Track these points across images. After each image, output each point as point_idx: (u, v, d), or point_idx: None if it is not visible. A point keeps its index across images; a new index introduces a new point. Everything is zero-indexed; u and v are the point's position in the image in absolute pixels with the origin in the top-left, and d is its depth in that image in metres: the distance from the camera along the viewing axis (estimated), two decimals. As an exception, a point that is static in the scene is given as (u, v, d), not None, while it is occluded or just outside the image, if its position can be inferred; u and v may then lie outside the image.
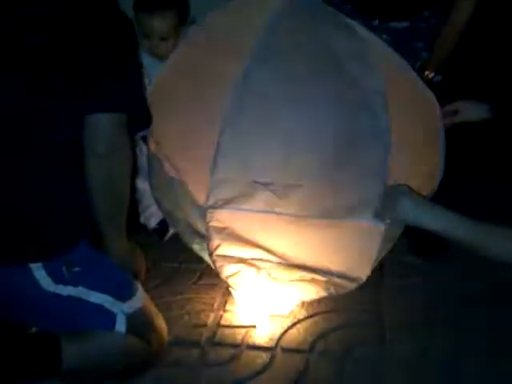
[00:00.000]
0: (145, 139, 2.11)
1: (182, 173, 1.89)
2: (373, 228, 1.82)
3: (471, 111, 2.03)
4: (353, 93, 1.82)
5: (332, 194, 1.78)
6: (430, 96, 2.04)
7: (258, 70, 1.81)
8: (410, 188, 1.75)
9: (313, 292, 1.96)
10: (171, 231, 2.52)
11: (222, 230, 1.82)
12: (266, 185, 1.76)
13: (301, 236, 1.83)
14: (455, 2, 2.29)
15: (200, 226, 1.87)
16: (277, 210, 1.77)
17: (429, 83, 2.34)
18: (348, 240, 1.85)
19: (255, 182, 1.76)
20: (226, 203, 1.78)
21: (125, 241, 1.79)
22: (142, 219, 2.60)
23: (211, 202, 1.78)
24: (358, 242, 1.86)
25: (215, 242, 1.83)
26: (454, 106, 2.04)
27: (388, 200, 1.75)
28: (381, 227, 1.81)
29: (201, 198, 1.81)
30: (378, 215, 1.78)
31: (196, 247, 2.02)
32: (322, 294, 1.95)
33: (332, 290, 1.95)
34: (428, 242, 2.39)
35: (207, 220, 1.80)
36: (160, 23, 2.31)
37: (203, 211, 1.80)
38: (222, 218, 1.80)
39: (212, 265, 2.02)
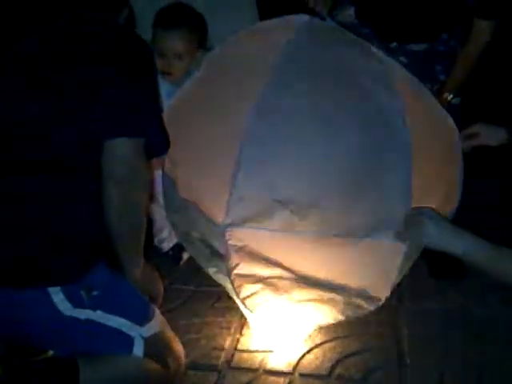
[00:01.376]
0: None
1: (199, 191, 1.88)
2: (394, 248, 1.80)
3: (490, 135, 2.02)
4: (377, 116, 1.83)
5: (354, 216, 1.77)
6: (449, 120, 2.03)
7: (279, 89, 1.81)
8: (434, 211, 1.75)
9: (330, 316, 1.94)
10: (185, 257, 2.52)
11: (240, 249, 1.80)
12: (285, 204, 1.75)
13: (321, 254, 1.81)
14: (474, 25, 2.28)
15: (218, 246, 1.86)
16: (296, 229, 1.76)
17: (448, 106, 2.34)
18: (369, 259, 1.83)
19: (275, 201, 1.75)
20: (244, 221, 1.77)
21: (142, 265, 1.79)
22: (155, 241, 2.60)
23: (230, 220, 1.77)
24: (379, 262, 1.84)
25: (234, 260, 1.82)
26: (472, 130, 2.04)
27: (412, 222, 1.74)
28: (402, 247, 1.80)
29: (218, 216, 1.80)
30: (401, 237, 1.77)
31: (211, 270, 2.01)
32: (340, 317, 1.93)
33: (350, 312, 1.92)
34: (446, 266, 2.38)
35: (226, 238, 1.78)
36: (176, 40, 2.32)
37: (222, 230, 1.78)
38: (240, 236, 1.79)
39: (227, 288, 2.01)
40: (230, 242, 1.79)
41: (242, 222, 1.77)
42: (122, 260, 1.73)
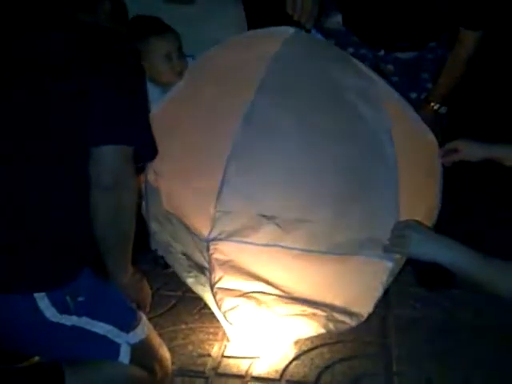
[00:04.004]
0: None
1: (183, 204, 1.87)
2: (380, 265, 1.81)
3: (470, 151, 2.02)
4: (362, 130, 1.84)
5: (340, 230, 1.77)
6: (429, 134, 2.04)
7: (266, 102, 1.81)
8: (419, 222, 1.75)
9: (311, 329, 1.93)
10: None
11: (225, 263, 1.80)
12: (271, 218, 1.75)
13: (305, 270, 1.81)
14: (459, 35, 2.27)
15: (200, 258, 1.85)
16: (282, 243, 1.76)
17: (434, 114, 2.34)
18: (353, 276, 1.83)
19: (260, 215, 1.75)
20: (229, 235, 1.76)
21: (130, 271, 1.78)
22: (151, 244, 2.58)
23: (215, 234, 1.76)
24: (364, 279, 1.84)
25: (217, 274, 1.81)
26: (453, 145, 2.04)
27: (397, 235, 1.74)
28: (388, 264, 1.80)
29: (202, 230, 1.79)
30: (387, 250, 1.77)
31: (190, 281, 2.01)
32: (321, 330, 1.91)
33: (331, 326, 1.91)
34: (434, 274, 2.38)
35: (210, 252, 1.77)
36: (174, 39, 2.32)
37: (206, 243, 1.78)
38: (225, 250, 1.78)
39: (206, 299, 2.01)
40: (214, 256, 1.78)
41: (227, 236, 1.76)
42: (108, 266, 1.72)
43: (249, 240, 1.76)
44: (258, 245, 1.76)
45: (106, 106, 1.61)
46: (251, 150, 1.78)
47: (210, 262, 1.79)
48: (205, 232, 1.78)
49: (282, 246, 1.76)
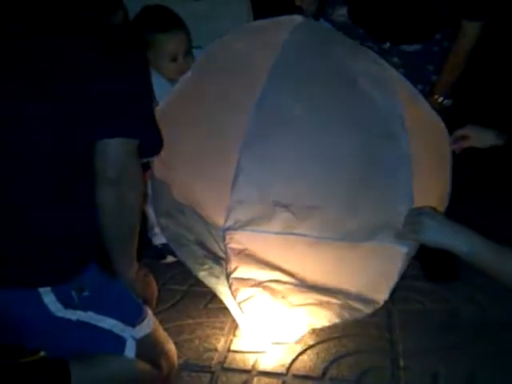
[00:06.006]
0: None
1: (197, 195, 1.86)
2: (394, 251, 1.79)
3: (480, 137, 2.01)
4: (375, 116, 1.83)
5: (354, 217, 1.76)
6: (439, 121, 2.03)
7: (277, 90, 1.80)
8: (433, 209, 1.74)
9: (325, 318, 1.93)
10: (169, 259, 2.53)
11: (240, 252, 1.78)
12: (285, 206, 1.74)
13: (320, 258, 1.80)
14: (461, 26, 2.27)
15: (215, 248, 1.84)
16: (297, 231, 1.75)
17: (439, 107, 2.33)
18: (369, 262, 1.82)
19: (275, 204, 1.74)
20: (245, 224, 1.75)
21: (136, 266, 1.77)
22: (149, 234, 2.59)
23: (230, 223, 1.75)
24: (379, 265, 1.82)
25: (233, 264, 1.80)
26: (463, 132, 2.03)
27: (411, 221, 1.73)
28: (403, 250, 1.79)
29: (217, 220, 1.79)
30: (401, 237, 1.76)
31: (202, 274, 2.01)
32: (335, 320, 1.92)
33: (346, 314, 1.91)
34: (440, 267, 2.38)
35: (226, 242, 1.76)
36: (183, 37, 2.31)
37: (222, 233, 1.77)
38: (240, 239, 1.77)
39: (218, 292, 2.02)
40: (229, 246, 1.77)
41: (242, 225, 1.75)
42: (114, 261, 1.71)
43: (264, 229, 1.75)
44: (272, 233, 1.75)
45: (109, 99, 1.60)
46: (264, 138, 1.77)
47: (225, 252, 1.78)
48: (220, 222, 1.77)
49: (297, 234, 1.75)
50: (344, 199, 1.76)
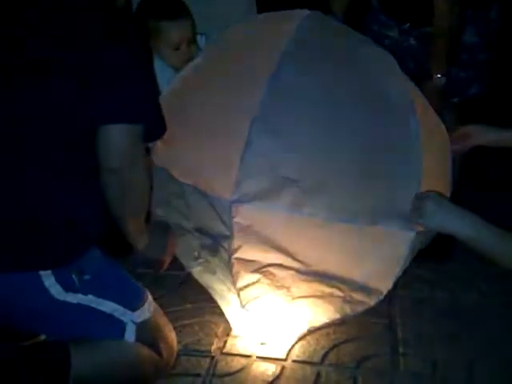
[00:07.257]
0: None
1: (203, 171, 1.83)
2: (401, 237, 1.79)
3: (482, 135, 2.01)
4: (388, 103, 1.83)
5: (362, 199, 1.75)
6: (439, 122, 2.04)
7: (290, 69, 1.80)
8: (439, 193, 1.74)
9: (326, 315, 1.94)
10: None
11: (245, 229, 1.76)
12: (294, 181, 1.72)
13: (327, 241, 1.79)
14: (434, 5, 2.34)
15: (218, 228, 1.81)
16: (304, 210, 1.73)
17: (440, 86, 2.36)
18: (374, 248, 1.81)
19: (283, 178, 1.72)
20: (252, 198, 1.73)
21: (146, 239, 1.80)
22: None
23: (237, 195, 1.73)
24: (384, 251, 1.82)
25: (236, 242, 1.78)
26: (465, 130, 2.02)
27: (417, 206, 1.72)
28: (410, 235, 1.78)
29: (224, 193, 1.76)
30: (407, 221, 1.76)
31: (196, 270, 2.00)
32: (335, 315, 1.92)
33: (348, 309, 1.91)
34: (432, 247, 2.37)
35: (232, 215, 1.74)
36: (188, 26, 2.29)
37: (228, 205, 1.73)
38: (246, 214, 1.74)
39: (213, 291, 2.02)
40: (235, 220, 1.75)
41: (250, 199, 1.73)
42: (124, 233, 1.74)
43: (271, 203, 1.73)
44: (279, 209, 1.73)
45: (112, 85, 1.58)
46: (276, 113, 1.76)
47: (230, 226, 1.76)
48: (227, 195, 1.74)
49: (303, 213, 1.73)
50: (354, 177, 1.75)
